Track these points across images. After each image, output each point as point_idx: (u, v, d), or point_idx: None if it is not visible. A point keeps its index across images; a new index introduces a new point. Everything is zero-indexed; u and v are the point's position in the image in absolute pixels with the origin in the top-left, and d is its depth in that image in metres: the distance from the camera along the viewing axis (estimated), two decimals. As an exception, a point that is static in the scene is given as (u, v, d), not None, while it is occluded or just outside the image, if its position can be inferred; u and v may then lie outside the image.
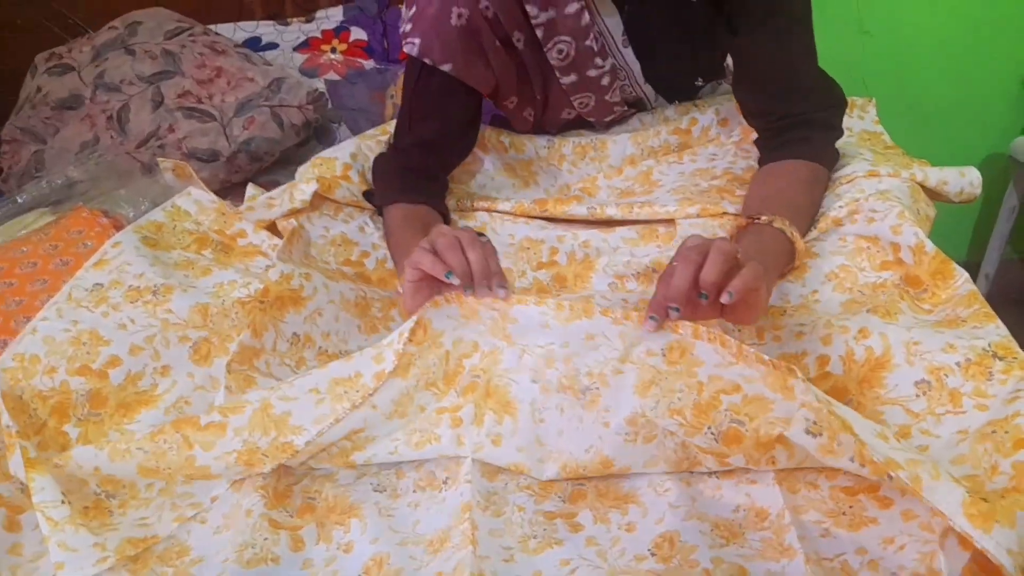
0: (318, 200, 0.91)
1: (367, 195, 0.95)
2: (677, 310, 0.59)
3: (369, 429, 0.64)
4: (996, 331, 0.61)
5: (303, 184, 0.89)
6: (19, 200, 1.14)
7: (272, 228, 0.92)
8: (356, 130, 1.40)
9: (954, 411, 0.57)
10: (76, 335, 0.70)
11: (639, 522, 0.58)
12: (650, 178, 0.97)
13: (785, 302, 0.74)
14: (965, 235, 1.81)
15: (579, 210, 0.92)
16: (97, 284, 0.75)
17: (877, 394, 0.62)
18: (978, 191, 0.81)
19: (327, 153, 0.97)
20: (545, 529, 0.58)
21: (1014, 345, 0.59)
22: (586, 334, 0.63)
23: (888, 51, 1.59)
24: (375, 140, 1.00)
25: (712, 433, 0.56)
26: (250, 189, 1.02)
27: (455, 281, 0.64)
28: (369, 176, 0.96)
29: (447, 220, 0.94)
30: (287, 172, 1.28)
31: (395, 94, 1.44)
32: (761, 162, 0.86)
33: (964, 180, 0.81)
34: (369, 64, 1.48)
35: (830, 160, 0.83)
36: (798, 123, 0.83)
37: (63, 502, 0.58)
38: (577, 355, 0.63)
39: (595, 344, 0.62)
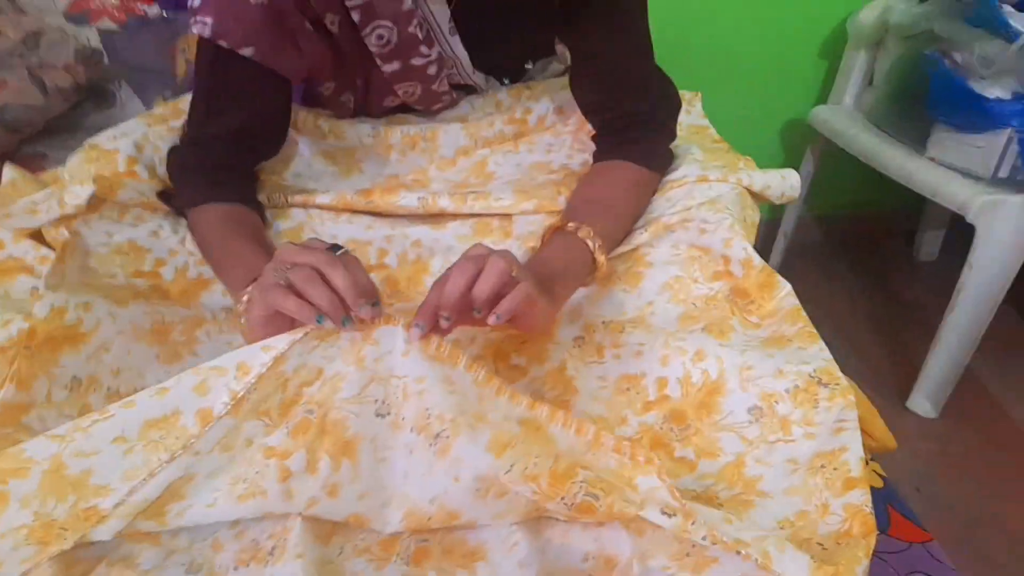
0: (97, 201, 0.77)
1: (163, 195, 0.81)
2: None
3: (189, 473, 0.55)
4: (820, 354, 0.63)
5: (75, 186, 0.74)
6: None
7: (38, 235, 0.77)
8: (141, 90, 1.21)
9: (785, 439, 0.59)
10: None
11: None
12: (485, 169, 0.92)
13: (622, 315, 0.73)
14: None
15: (409, 200, 0.85)
16: None
17: (713, 420, 0.63)
18: (797, 192, 0.84)
19: (104, 140, 0.82)
20: None
21: (836, 370, 0.61)
22: (444, 377, 0.57)
23: (697, 8, 1.62)
24: (166, 126, 0.86)
25: (566, 503, 0.53)
26: (7, 172, 0.85)
27: (328, 324, 0.56)
28: (161, 171, 0.82)
29: (263, 219, 0.83)
30: (56, 142, 1.09)
31: (187, 48, 1.26)
32: (595, 158, 0.84)
33: (785, 183, 0.83)
34: (153, 10, 1.27)
35: (662, 164, 0.82)
36: (632, 123, 0.81)
37: None
38: (431, 395, 0.57)
39: (451, 391, 0.57)
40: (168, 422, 0.55)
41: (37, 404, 0.61)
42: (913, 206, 1.92)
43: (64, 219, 0.75)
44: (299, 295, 0.56)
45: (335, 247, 0.61)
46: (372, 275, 0.79)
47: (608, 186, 0.79)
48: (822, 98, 1.78)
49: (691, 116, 0.96)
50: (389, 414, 0.57)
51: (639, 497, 0.53)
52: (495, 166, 0.94)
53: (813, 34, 1.73)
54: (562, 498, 0.53)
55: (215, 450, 0.56)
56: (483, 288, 0.58)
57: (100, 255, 0.75)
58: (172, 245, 0.80)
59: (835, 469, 0.55)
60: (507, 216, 0.85)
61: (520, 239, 0.82)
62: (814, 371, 0.61)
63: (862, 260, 2.05)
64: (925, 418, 1.52)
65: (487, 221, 0.85)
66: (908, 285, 1.97)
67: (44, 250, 0.75)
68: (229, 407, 0.55)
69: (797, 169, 1.73)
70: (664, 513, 0.51)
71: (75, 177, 0.76)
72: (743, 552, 0.49)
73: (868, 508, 0.54)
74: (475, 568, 0.56)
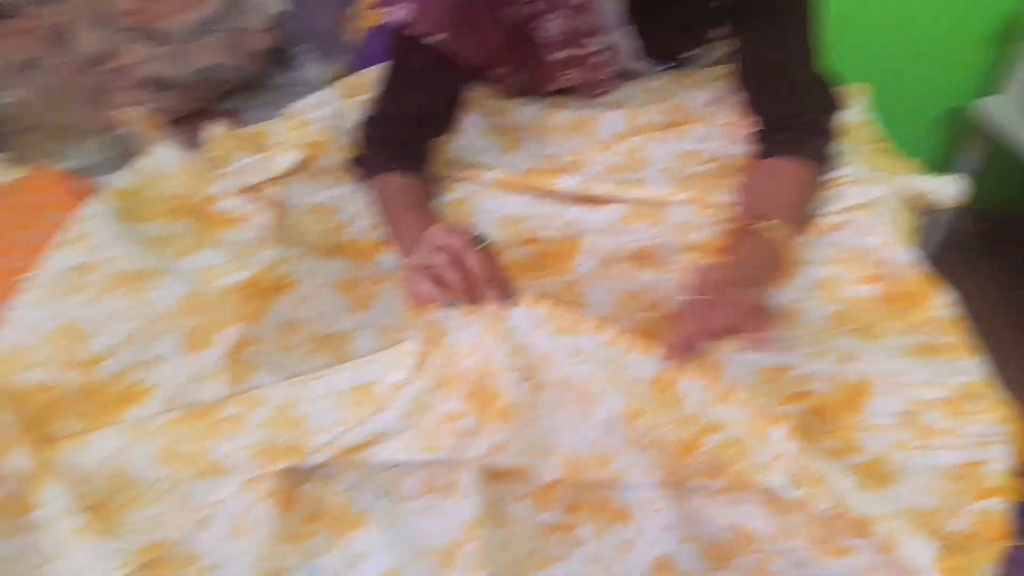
0: (300, 165, 0.87)
1: (352, 161, 0.91)
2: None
3: (381, 432, 0.65)
4: (975, 367, 0.65)
5: (284, 153, 0.84)
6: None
7: (247, 191, 0.87)
8: (319, 54, 1.31)
9: (928, 446, 0.62)
10: (58, 328, 0.67)
11: (635, 541, 0.62)
12: (637, 156, 0.95)
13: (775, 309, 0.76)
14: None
15: (571, 183, 0.90)
16: (73, 267, 0.71)
17: (857, 420, 0.65)
18: (962, 199, 0.83)
19: (303, 109, 0.92)
20: (547, 543, 0.61)
21: (991, 384, 0.63)
22: (571, 350, 0.64)
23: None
24: (356, 99, 0.95)
25: (695, 470, 0.59)
26: (213, 128, 0.96)
27: (458, 307, 0.66)
28: (350, 140, 0.91)
29: (433, 191, 0.91)
30: (248, 99, 1.21)
31: (357, 16, 1.34)
32: (759, 155, 0.86)
33: (950, 190, 0.83)
34: (328, -23, 1.37)
35: (828, 165, 0.83)
36: (795, 124, 0.82)
37: (72, 509, 0.58)
38: (564, 367, 0.65)
39: (580, 361, 0.64)
40: (367, 389, 0.66)
41: (256, 342, 0.72)
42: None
43: (271, 180, 0.85)
44: (437, 277, 0.67)
45: (478, 237, 0.70)
46: (525, 249, 0.88)
47: (781, 185, 0.80)
48: (985, 89, 1.69)
49: (855, 113, 0.96)
50: (533, 379, 0.65)
51: (768, 457, 0.57)
52: (648, 153, 0.97)
53: (980, 20, 1.63)
54: (691, 465, 0.59)
55: (406, 417, 0.66)
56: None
57: (300, 214, 0.85)
58: (359, 208, 0.89)
59: (976, 478, 0.58)
60: (660, 204, 0.88)
61: (673, 227, 0.86)
62: (967, 383, 0.63)
63: (1020, 260, 1.94)
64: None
65: (643, 207, 0.89)
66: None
67: (257, 204, 0.85)
68: (410, 371, 0.66)
69: (956, 161, 1.67)
70: (791, 483, 0.55)
71: (283, 144, 0.86)
72: (869, 529, 0.53)
73: (1004, 514, 0.56)
74: (624, 527, 0.63)
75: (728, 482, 0.61)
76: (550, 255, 0.88)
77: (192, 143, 0.95)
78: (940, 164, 1.78)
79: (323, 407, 0.65)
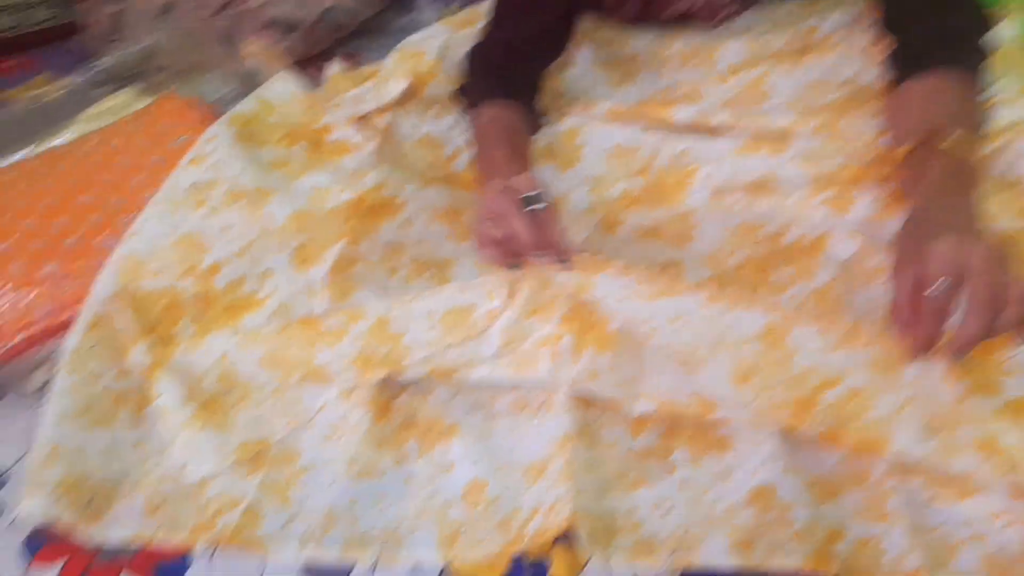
0: (409, 95, 0.88)
1: (458, 91, 0.90)
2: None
3: (475, 356, 0.65)
4: None
5: (392, 81, 0.85)
6: (101, 67, 1.13)
7: (360, 121, 0.89)
8: (437, -2, 1.32)
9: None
10: (179, 239, 0.71)
11: (735, 470, 0.58)
12: (760, 87, 0.89)
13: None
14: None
15: (685, 114, 0.85)
16: (195, 183, 0.75)
17: (997, 359, 0.58)
18: None
19: (415, 42, 0.92)
20: (639, 466, 0.59)
21: None
22: (671, 315, 0.61)
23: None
24: (468, 30, 0.94)
25: (812, 432, 0.55)
26: (331, 67, 0.98)
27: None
28: (459, 71, 0.91)
29: (537, 122, 0.89)
30: (367, 41, 1.24)
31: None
32: (898, 78, 0.77)
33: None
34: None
35: (979, 84, 0.74)
36: (939, 41, 0.74)
37: (185, 403, 0.61)
38: (664, 333, 0.61)
39: (681, 325, 0.60)
40: (465, 313, 0.65)
41: (361, 259, 0.74)
42: None
43: (382, 109, 0.86)
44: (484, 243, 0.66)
45: (532, 198, 0.66)
46: (635, 181, 0.84)
47: (944, 98, 0.70)
48: None
49: (1006, 30, 0.85)
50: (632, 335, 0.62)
51: (895, 406, 0.52)
52: (771, 83, 0.91)
53: None
54: (808, 425, 0.54)
55: (497, 342, 0.65)
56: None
57: (409, 144, 0.87)
58: (466, 140, 0.89)
59: None
60: (783, 134, 0.82)
61: (797, 157, 0.80)
62: None
63: None
64: None
65: (761, 136, 0.83)
66: None
67: (368, 132, 0.87)
68: (505, 298, 0.65)
69: None
70: (920, 438, 0.50)
71: (393, 74, 0.87)
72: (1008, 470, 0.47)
73: None
74: (722, 455, 0.59)
75: (849, 444, 0.56)
76: (661, 186, 0.85)
77: (313, 82, 0.98)
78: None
79: (420, 327, 0.65)
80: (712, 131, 0.86)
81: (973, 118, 0.69)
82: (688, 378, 0.60)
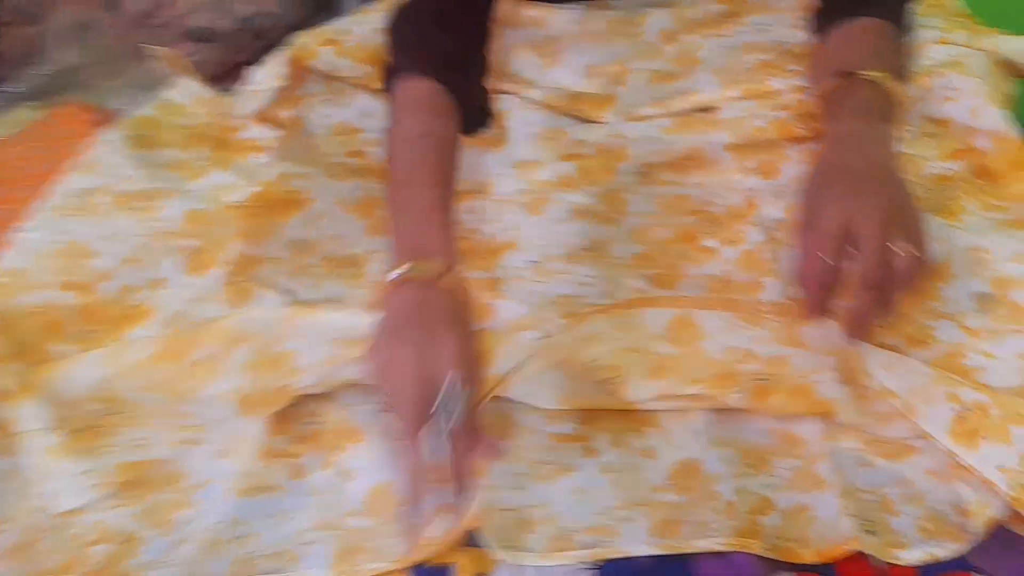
0: (298, 70, 0.86)
1: (380, 68, 0.83)
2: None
3: None
4: None
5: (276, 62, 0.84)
6: (16, 91, 1.09)
7: (272, 120, 0.85)
8: (366, -1, 1.29)
9: (1018, 329, 0.51)
10: (63, 246, 0.66)
11: (659, 447, 0.54)
12: (691, 56, 0.87)
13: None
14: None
15: (615, 118, 0.84)
16: (83, 189, 0.71)
17: (929, 306, 0.56)
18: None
19: (336, 26, 0.90)
20: (558, 454, 0.55)
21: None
22: (585, 335, 0.58)
23: None
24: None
25: (739, 393, 0.51)
26: (251, 74, 0.94)
27: None
28: (370, 43, 0.86)
29: (483, 112, 0.80)
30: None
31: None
32: (821, 28, 0.73)
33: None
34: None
35: (904, 27, 0.71)
36: None
37: (53, 429, 0.56)
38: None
39: (591, 341, 0.58)
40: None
41: (265, 259, 0.69)
42: None
43: (290, 100, 0.83)
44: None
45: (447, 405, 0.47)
46: (567, 163, 0.81)
47: (868, 41, 0.66)
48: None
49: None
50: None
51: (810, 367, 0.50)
52: (702, 53, 0.88)
53: None
54: (735, 389, 0.52)
55: None
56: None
57: (320, 136, 0.83)
58: (380, 126, 0.85)
59: None
60: (710, 109, 0.81)
61: (727, 128, 0.78)
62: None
63: None
64: None
65: (690, 115, 0.82)
66: None
67: (278, 132, 0.83)
68: None
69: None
70: (839, 382, 0.47)
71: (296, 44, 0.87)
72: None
73: None
74: (647, 433, 0.55)
75: (780, 400, 0.53)
76: (590, 169, 0.82)
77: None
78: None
79: (314, 343, 0.60)
80: (640, 119, 0.84)
81: (895, 61, 0.66)
82: (605, 387, 0.57)
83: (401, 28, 0.76)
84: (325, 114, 0.84)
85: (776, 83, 0.77)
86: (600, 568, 0.48)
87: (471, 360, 0.50)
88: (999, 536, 0.47)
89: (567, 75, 0.91)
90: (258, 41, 1.15)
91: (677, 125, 0.82)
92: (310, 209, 0.73)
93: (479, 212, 0.74)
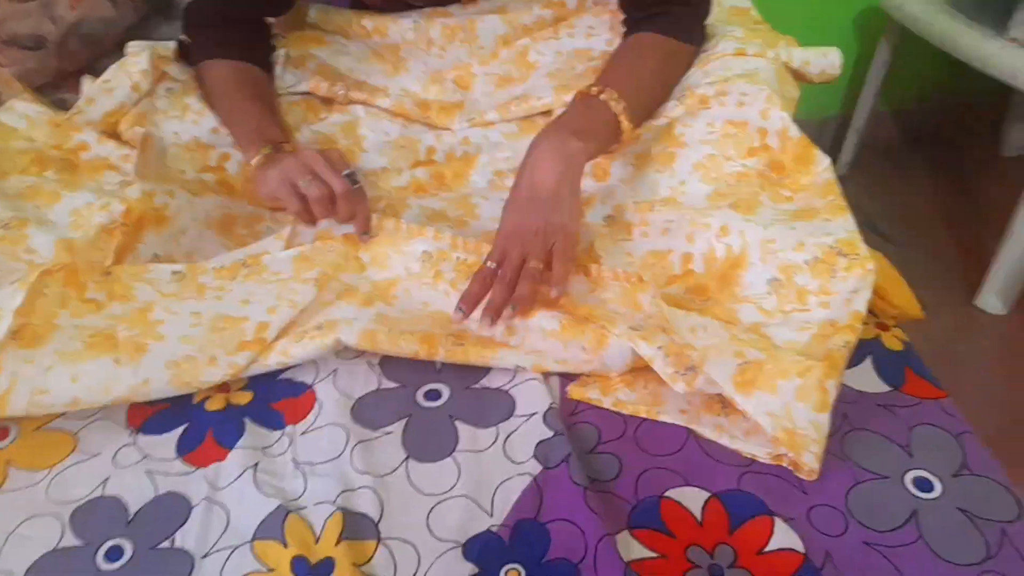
0: (160, 99, 0.85)
1: (181, 50, 0.89)
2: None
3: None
4: (844, 226, 0.64)
5: (134, 58, 0.85)
6: None
7: (117, 137, 0.84)
8: None
9: (800, 308, 0.62)
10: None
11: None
12: (526, 59, 0.93)
13: (654, 195, 0.75)
14: (838, 90, 1.85)
15: (461, 125, 0.91)
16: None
17: (733, 292, 0.65)
18: (838, 71, 0.82)
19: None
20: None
21: (859, 241, 0.62)
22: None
23: None
24: None
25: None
26: (86, 84, 0.92)
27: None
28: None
29: (271, 79, 0.90)
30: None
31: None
32: (625, 35, 0.84)
33: (825, 61, 0.82)
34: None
35: (694, 37, 0.82)
36: (661, 4, 0.80)
37: None
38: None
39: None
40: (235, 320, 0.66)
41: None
42: (997, 96, 1.81)
43: (137, 117, 0.82)
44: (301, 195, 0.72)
45: (351, 175, 0.75)
46: (422, 169, 0.86)
47: (637, 55, 0.80)
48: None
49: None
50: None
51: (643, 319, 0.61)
52: (536, 55, 0.95)
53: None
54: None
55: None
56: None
57: (173, 153, 0.82)
58: (231, 142, 0.86)
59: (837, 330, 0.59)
60: (548, 111, 0.88)
61: None
62: (835, 242, 0.62)
63: (941, 156, 1.96)
64: (993, 315, 1.49)
65: (531, 119, 0.89)
66: (989, 182, 1.87)
67: (126, 149, 0.82)
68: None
69: (870, 59, 1.67)
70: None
71: (132, 53, 0.86)
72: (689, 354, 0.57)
73: (842, 349, 0.58)
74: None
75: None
76: (444, 175, 0.87)
77: (68, 103, 0.91)
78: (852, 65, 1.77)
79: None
80: (486, 125, 0.90)
81: (656, 76, 0.80)
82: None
83: (195, 14, 0.89)
84: (174, 131, 0.83)
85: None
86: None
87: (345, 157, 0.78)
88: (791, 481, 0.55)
89: (413, 81, 0.96)
90: (93, 47, 1.11)
91: (520, 130, 0.89)
92: (171, 226, 0.73)
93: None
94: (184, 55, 0.89)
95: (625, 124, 0.73)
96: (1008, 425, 1.28)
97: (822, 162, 0.71)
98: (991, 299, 1.48)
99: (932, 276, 1.53)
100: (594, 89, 0.73)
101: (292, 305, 0.66)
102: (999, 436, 1.24)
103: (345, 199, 0.72)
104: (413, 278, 0.71)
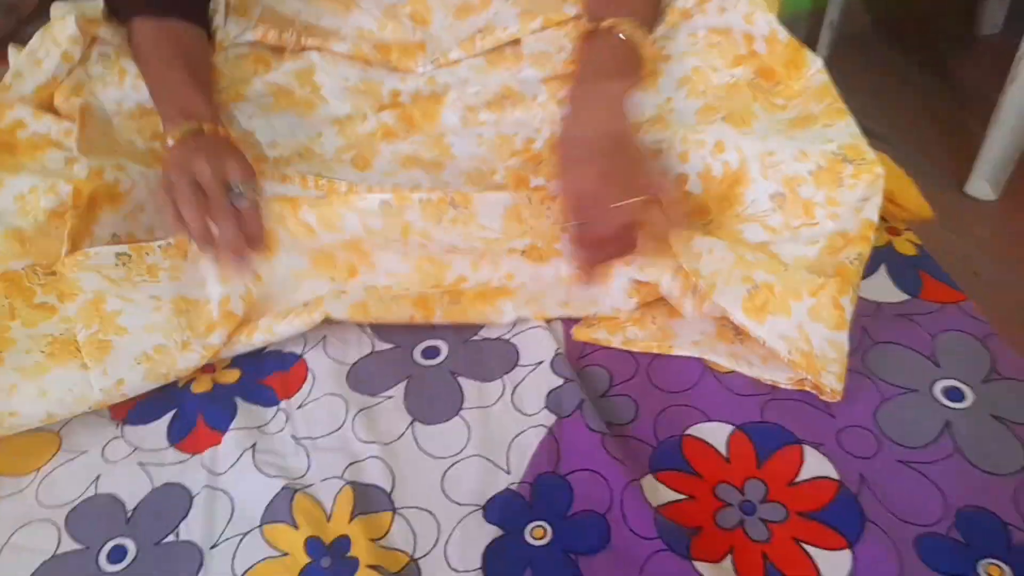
0: (96, 65, 0.78)
1: (108, 4, 0.80)
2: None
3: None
4: (847, 130, 0.60)
5: (59, 22, 0.76)
6: None
7: (54, 111, 0.77)
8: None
9: (808, 222, 0.59)
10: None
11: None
12: None
13: (641, 115, 0.71)
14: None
15: (425, 67, 0.84)
16: None
17: (736, 211, 0.62)
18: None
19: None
20: None
21: (863, 144, 0.59)
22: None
23: None
24: None
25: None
26: (11, 56, 0.84)
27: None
28: None
29: (210, 36, 0.82)
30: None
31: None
32: None
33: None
34: None
35: None
36: None
37: None
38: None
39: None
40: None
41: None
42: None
43: (73, 88, 0.76)
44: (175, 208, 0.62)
45: (241, 189, 0.63)
46: (388, 112, 0.81)
47: None
48: None
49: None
50: None
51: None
52: None
53: None
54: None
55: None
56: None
57: (118, 123, 0.76)
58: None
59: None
60: (516, 41, 0.82)
61: (534, 62, 0.80)
62: (838, 148, 0.58)
63: (917, 43, 1.90)
64: (984, 201, 1.47)
65: (498, 51, 0.84)
66: (969, 65, 1.83)
67: (66, 123, 0.75)
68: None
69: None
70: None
71: (57, 18, 0.77)
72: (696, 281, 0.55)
73: (855, 262, 0.55)
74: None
75: None
76: (412, 117, 0.82)
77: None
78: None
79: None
80: (451, 63, 0.84)
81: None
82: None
83: None
84: (115, 99, 0.77)
85: (571, 9, 0.79)
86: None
87: (248, 169, 0.65)
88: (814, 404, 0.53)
89: (367, 19, 0.89)
90: (9, 16, 1.03)
91: (488, 63, 0.83)
92: (127, 202, 0.68)
93: (307, 173, 0.72)
94: (114, 13, 0.81)
95: (648, 54, 0.66)
96: (1016, 311, 1.27)
97: (814, 64, 0.67)
98: (982, 185, 1.46)
99: (919, 168, 1.50)
100: (604, 24, 0.65)
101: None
102: (1007, 322, 1.24)
103: (220, 214, 0.62)
104: (379, 238, 0.64)
